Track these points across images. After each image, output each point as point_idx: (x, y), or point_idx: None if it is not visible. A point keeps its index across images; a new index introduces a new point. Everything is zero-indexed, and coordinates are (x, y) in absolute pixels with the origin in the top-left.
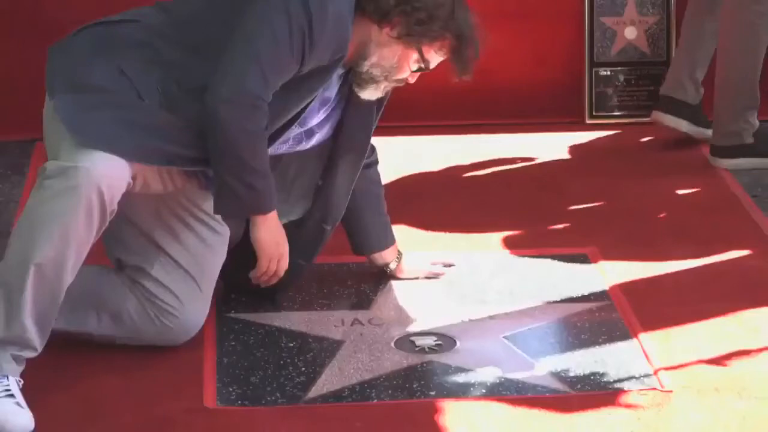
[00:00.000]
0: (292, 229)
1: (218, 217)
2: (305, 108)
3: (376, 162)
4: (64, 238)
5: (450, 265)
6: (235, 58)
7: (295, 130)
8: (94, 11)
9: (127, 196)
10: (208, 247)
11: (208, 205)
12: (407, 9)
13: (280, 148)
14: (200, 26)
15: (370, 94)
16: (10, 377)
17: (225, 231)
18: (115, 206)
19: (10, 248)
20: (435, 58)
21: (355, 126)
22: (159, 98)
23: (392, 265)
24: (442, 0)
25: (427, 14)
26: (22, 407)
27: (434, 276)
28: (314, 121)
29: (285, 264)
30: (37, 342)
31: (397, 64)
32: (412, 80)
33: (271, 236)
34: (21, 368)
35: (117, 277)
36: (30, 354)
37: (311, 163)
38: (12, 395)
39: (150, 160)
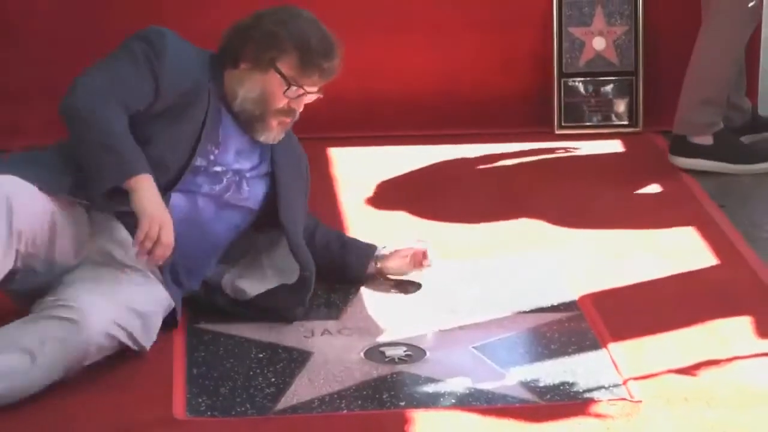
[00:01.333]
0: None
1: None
2: (198, 140)
3: (317, 223)
4: None
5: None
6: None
7: (217, 168)
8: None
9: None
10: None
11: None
12: (249, 41)
13: (213, 188)
14: None
15: (266, 135)
16: None
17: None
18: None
19: None
20: (296, 72)
21: (289, 187)
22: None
23: (378, 265)
24: (279, 20)
25: (267, 37)
26: None
27: (420, 264)
28: (235, 164)
29: (168, 234)
30: None
31: (264, 92)
32: (297, 107)
33: (149, 200)
34: None
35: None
36: None
37: (265, 238)
38: None
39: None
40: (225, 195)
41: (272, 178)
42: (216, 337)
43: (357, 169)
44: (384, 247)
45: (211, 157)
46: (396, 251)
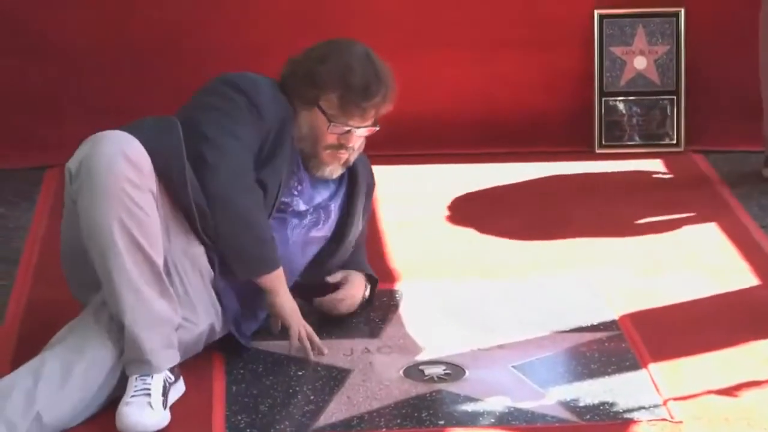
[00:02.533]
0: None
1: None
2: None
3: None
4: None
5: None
6: (203, 151)
7: (302, 207)
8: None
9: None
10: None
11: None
12: (295, 79)
13: (301, 224)
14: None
15: (322, 170)
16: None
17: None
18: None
19: None
20: (337, 111)
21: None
22: None
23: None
24: (322, 56)
25: (308, 75)
26: (153, 408)
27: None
28: (317, 197)
29: (314, 335)
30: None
31: (312, 129)
32: (347, 142)
33: (288, 305)
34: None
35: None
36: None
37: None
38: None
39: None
40: (311, 232)
41: (347, 198)
42: (255, 354)
43: (396, 187)
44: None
45: (295, 193)
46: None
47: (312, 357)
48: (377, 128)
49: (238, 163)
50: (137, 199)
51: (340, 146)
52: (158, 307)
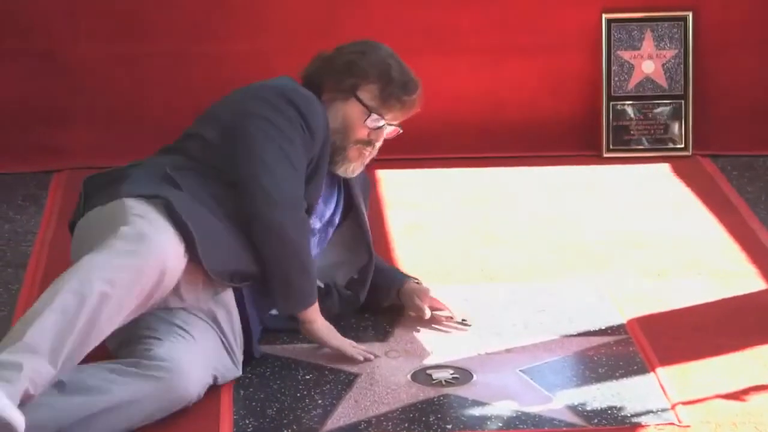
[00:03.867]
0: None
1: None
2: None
3: None
4: (120, 283)
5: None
6: (259, 175)
7: (318, 225)
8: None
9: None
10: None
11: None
12: (331, 71)
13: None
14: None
15: (345, 167)
16: None
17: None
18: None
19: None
20: (377, 102)
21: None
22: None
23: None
24: (360, 50)
25: (348, 65)
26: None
27: (437, 321)
28: (326, 211)
29: (360, 350)
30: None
31: (346, 121)
32: (376, 138)
33: (328, 333)
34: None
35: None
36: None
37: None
38: None
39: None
40: (315, 250)
41: (346, 208)
42: (262, 358)
43: (404, 191)
44: (416, 281)
45: (314, 212)
46: (428, 297)
47: (372, 358)
48: (401, 131)
49: (294, 195)
50: (136, 293)
51: (369, 142)
52: (39, 356)
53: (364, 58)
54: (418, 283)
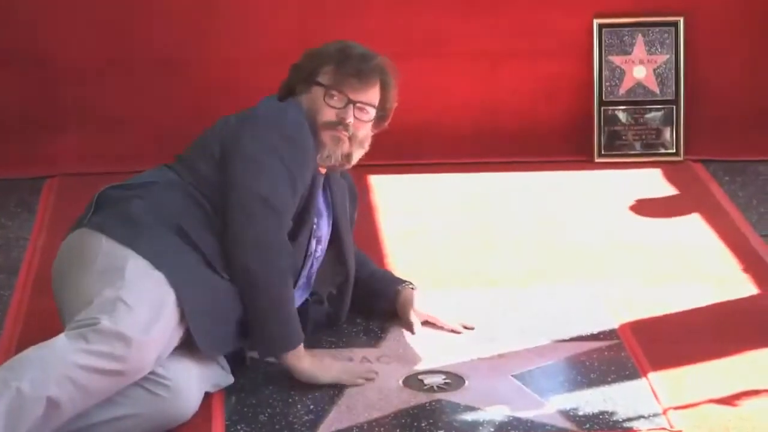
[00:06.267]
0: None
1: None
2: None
3: (357, 251)
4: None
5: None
6: (243, 209)
7: (319, 253)
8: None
9: None
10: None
11: None
12: (296, 70)
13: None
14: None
15: (321, 154)
16: None
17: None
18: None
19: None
20: (335, 79)
21: (347, 232)
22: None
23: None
24: (322, 45)
25: (307, 57)
26: None
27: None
28: (324, 226)
29: (357, 372)
30: None
31: (311, 108)
32: (346, 117)
33: (317, 370)
34: None
35: None
36: None
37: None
38: None
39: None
40: (312, 268)
41: (332, 220)
42: (254, 363)
43: (397, 197)
44: (411, 286)
45: (314, 227)
46: (423, 313)
47: (374, 377)
48: (372, 112)
49: (280, 239)
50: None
51: (339, 123)
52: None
53: (323, 47)
54: (412, 287)
